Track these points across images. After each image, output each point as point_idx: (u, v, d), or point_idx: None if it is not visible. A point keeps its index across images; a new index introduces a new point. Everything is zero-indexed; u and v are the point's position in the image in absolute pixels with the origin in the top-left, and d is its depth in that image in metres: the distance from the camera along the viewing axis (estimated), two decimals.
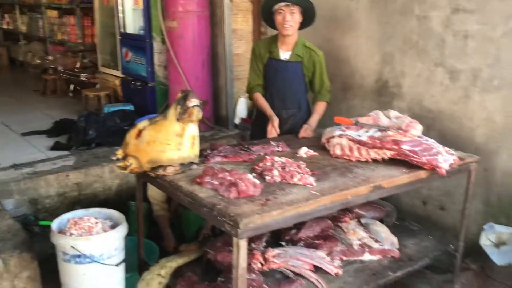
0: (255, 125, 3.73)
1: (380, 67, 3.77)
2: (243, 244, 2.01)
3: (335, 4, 4.01)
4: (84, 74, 6.95)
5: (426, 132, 3.26)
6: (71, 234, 2.48)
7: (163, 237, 3.38)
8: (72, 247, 2.40)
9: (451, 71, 3.31)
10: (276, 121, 3.28)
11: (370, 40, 3.80)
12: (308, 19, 3.30)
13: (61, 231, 2.53)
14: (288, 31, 3.24)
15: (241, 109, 5.14)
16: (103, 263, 2.46)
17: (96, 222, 2.56)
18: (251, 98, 3.58)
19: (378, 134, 2.77)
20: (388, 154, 2.69)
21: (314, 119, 3.40)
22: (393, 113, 2.95)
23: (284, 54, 3.37)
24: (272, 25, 3.36)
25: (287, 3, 3.16)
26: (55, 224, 2.56)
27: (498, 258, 3.11)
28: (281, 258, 2.79)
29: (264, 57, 3.42)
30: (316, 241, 3.01)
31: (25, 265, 2.68)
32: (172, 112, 2.44)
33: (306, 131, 3.29)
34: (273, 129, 3.26)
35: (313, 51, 3.37)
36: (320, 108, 3.45)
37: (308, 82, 3.47)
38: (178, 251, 3.07)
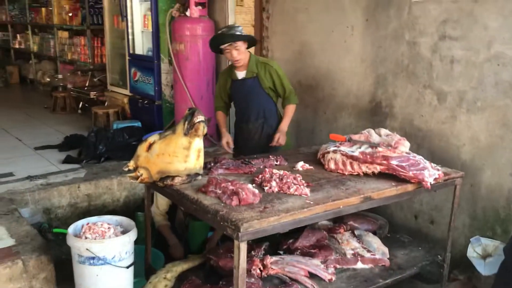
0: (236, 139, 4.04)
1: (373, 88, 4.01)
2: (243, 246, 2.22)
3: (332, 29, 4.28)
4: (93, 92, 7.22)
5: (416, 150, 3.50)
6: (86, 237, 2.69)
7: (171, 247, 3.57)
8: (87, 249, 2.61)
9: (439, 92, 3.55)
10: (225, 138, 3.83)
11: (364, 63, 4.05)
12: (252, 42, 3.70)
13: (77, 235, 2.75)
14: (239, 64, 3.65)
15: None
16: (115, 265, 2.67)
17: (109, 228, 2.77)
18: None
19: (369, 150, 3.00)
20: (378, 168, 2.90)
21: (284, 124, 3.75)
22: (383, 131, 3.19)
23: (241, 74, 3.72)
24: (220, 53, 3.73)
25: (230, 43, 3.51)
26: (71, 229, 2.78)
27: (484, 269, 3.29)
28: (279, 265, 2.99)
29: (227, 83, 3.81)
30: (312, 250, 3.21)
31: (43, 267, 2.89)
32: (180, 127, 2.67)
33: (278, 140, 3.66)
34: (225, 145, 3.82)
35: (267, 64, 3.72)
36: (288, 111, 3.79)
37: (273, 91, 3.77)
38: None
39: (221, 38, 3.56)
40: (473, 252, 3.35)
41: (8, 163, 4.69)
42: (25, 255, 2.86)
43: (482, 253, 3.34)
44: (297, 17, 4.58)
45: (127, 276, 2.80)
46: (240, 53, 3.57)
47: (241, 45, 3.56)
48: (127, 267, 2.75)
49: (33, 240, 3.05)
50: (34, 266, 2.85)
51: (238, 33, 3.52)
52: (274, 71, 3.70)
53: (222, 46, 3.56)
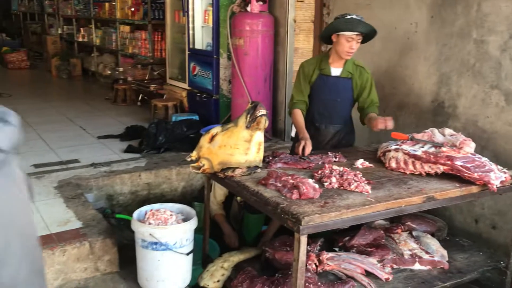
0: (296, 140, 3.61)
1: (436, 87, 3.91)
2: (303, 239, 2.24)
3: (395, 26, 4.20)
4: (153, 85, 7.43)
5: (480, 152, 3.38)
6: (150, 223, 2.80)
7: (226, 235, 3.66)
8: (150, 234, 2.71)
9: (507, 93, 3.41)
10: (309, 145, 3.14)
11: (428, 61, 3.95)
12: (364, 41, 3.40)
13: (140, 221, 2.86)
14: (349, 57, 3.37)
15: None
16: (176, 251, 2.76)
17: (171, 215, 2.88)
18: (290, 112, 3.53)
19: (433, 149, 2.93)
20: (441, 168, 2.84)
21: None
22: (447, 130, 3.11)
23: (335, 71, 3.43)
24: (327, 41, 3.47)
25: (359, 33, 3.25)
26: (135, 214, 2.90)
27: None
28: (335, 261, 2.99)
29: (313, 75, 3.43)
30: (368, 249, 3.18)
31: (107, 250, 3.03)
32: (242, 120, 2.72)
33: (386, 122, 3.24)
34: (300, 148, 3.12)
35: (363, 68, 3.48)
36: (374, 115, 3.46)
37: (356, 98, 3.53)
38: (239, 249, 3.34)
39: (357, 23, 3.22)
40: None
41: (73, 150, 4.93)
42: (91, 237, 3.01)
43: None
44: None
45: (187, 263, 2.89)
46: (357, 47, 3.29)
47: (361, 39, 3.30)
48: (187, 254, 2.84)
49: (98, 223, 3.20)
50: (99, 248, 2.99)
51: None
52: (367, 79, 3.46)
53: (350, 33, 3.21)
